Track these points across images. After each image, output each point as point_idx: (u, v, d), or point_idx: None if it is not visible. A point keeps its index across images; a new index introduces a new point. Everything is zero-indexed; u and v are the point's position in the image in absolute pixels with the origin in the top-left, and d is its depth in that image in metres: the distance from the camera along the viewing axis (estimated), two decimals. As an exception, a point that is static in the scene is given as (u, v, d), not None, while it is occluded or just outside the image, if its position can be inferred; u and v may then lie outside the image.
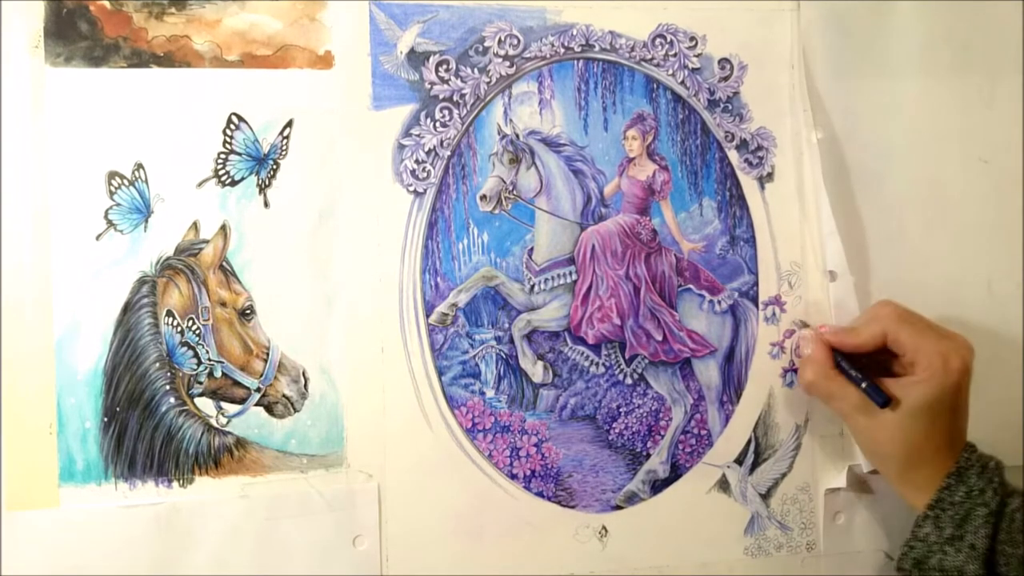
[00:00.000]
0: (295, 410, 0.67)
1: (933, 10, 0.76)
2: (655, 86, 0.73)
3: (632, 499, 0.72)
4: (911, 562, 0.66)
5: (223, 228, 0.67)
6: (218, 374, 0.66)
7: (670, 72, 0.74)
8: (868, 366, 0.68)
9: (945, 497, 0.64)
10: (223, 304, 0.67)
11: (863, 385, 0.66)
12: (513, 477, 0.71)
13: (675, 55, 0.74)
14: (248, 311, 0.67)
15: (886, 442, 0.66)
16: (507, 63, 0.71)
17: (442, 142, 0.70)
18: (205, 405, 0.66)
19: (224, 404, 0.67)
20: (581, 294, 0.72)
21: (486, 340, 0.71)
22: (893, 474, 0.68)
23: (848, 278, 0.73)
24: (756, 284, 0.74)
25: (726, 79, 0.74)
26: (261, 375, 0.67)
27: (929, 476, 0.65)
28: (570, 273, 0.72)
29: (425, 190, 0.70)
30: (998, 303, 0.78)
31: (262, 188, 0.67)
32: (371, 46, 0.69)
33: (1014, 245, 0.78)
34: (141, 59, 0.66)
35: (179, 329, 0.66)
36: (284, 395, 0.67)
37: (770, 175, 0.75)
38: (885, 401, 0.65)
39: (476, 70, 0.71)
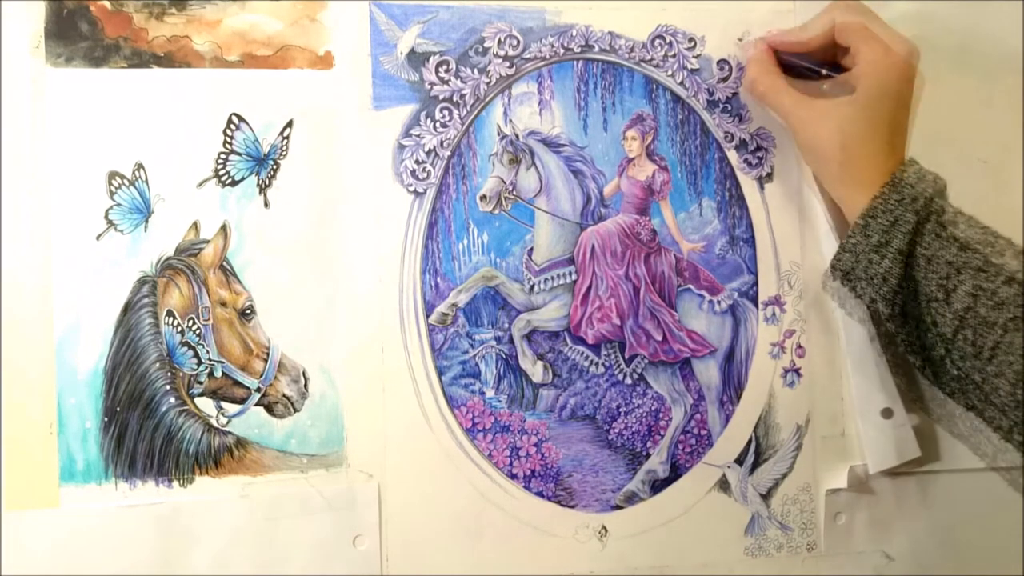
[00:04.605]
0: (295, 410, 0.67)
1: (932, 10, 0.76)
2: (654, 86, 0.74)
3: (632, 499, 0.72)
4: (840, 275, 0.65)
5: (223, 228, 0.67)
6: (218, 374, 0.66)
7: (669, 73, 0.74)
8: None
9: (878, 205, 0.62)
10: (223, 304, 0.67)
11: (806, 65, 0.69)
12: (513, 477, 0.70)
13: (674, 56, 0.74)
14: (248, 311, 0.67)
15: (825, 135, 0.64)
16: (507, 63, 0.71)
17: (442, 142, 0.70)
18: (205, 405, 0.66)
19: (224, 404, 0.67)
20: (581, 294, 0.72)
21: (486, 340, 0.71)
22: (833, 173, 0.67)
23: None
24: (756, 284, 0.74)
25: (725, 80, 0.75)
26: (261, 375, 0.67)
27: (868, 178, 0.63)
28: (570, 273, 0.72)
29: (425, 190, 0.70)
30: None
31: (262, 188, 0.67)
32: (371, 46, 0.69)
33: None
34: (141, 59, 0.66)
35: (179, 329, 0.66)
36: (284, 395, 0.67)
37: (769, 175, 0.75)
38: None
39: (476, 70, 0.71)
